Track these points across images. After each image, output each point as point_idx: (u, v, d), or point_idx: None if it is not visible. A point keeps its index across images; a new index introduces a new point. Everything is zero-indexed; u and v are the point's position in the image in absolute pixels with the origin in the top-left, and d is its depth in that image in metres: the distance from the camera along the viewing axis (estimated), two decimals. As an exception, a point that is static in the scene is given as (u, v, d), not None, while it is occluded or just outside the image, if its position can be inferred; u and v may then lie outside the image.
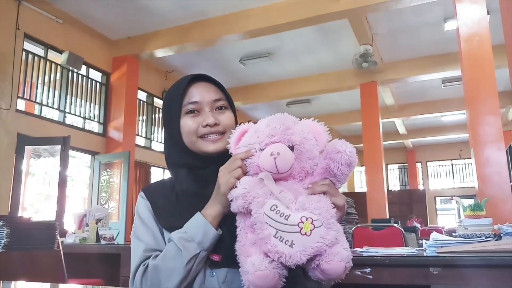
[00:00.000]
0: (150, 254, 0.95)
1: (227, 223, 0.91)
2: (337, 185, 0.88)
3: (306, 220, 0.77)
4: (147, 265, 0.93)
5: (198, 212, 0.91)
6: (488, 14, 5.55)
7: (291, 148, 0.84)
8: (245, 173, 0.86)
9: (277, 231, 0.77)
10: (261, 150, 0.84)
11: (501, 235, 1.89)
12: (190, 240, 0.88)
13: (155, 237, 0.98)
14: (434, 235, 1.87)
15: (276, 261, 0.77)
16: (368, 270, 1.73)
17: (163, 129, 1.10)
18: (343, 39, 7.67)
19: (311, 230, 0.77)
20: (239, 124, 1.06)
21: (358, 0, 5.94)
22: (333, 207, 0.82)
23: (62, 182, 5.76)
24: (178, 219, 0.94)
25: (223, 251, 0.91)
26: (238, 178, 0.85)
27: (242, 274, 0.80)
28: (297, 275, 0.88)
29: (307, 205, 0.79)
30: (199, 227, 0.89)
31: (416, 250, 2.02)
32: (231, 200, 0.85)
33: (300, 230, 0.77)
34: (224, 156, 0.98)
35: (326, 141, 0.88)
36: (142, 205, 1.03)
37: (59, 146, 5.84)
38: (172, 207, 0.99)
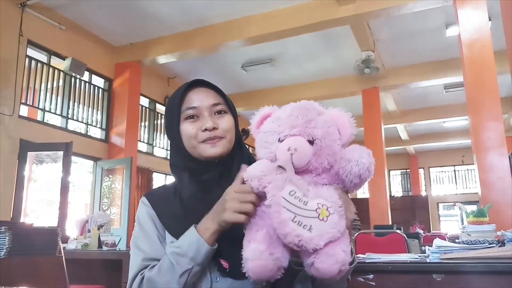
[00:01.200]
0: (148, 264, 0.96)
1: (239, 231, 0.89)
2: (349, 192, 0.88)
3: (322, 206, 0.78)
4: (144, 276, 0.94)
5: (193, 226, 0.90)
6: (490, 20, 5.56)
7: (311, 142, 0.83)
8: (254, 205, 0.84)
9: (295, 215, 0.77)
10: (280, 141, 0.84)
11: (505, 241, 1.88)
12: (183, 255, 0.88)
13: (154, 245, 0.98)
14: (437, 242, 1.86)
15: (296, 244, 0.77)
16: (371, 276, 1.72)
17: (166, 135, 1.11)
18: (345, 45, 7.69)
19: (327, 216, 0.78)
20: (241, 130, 1.06)
21: (360, 6, 5.96)
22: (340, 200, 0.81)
23: (64, 188, 5.76)
24: (182, 225, 0.94)
25: (232, 260, 0.90)
26: (247, 214, 0.83)
27: (243, 259, 0.80)
28: (294, 270, 0.88)
29: (321, 193, 0.80)
30: (192, 243, 0.88)
31: (419, 256, 2.01)
32: (246, 180, 0.85)
33: (318, 216, 0.77)
34: (225, 160, 0.99)
35: (351, 134, 0.87)
36: (144, 211, 1.03)
37: (62, 152, 5.85)
38: (176, 213, 0.99)
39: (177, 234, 0.95)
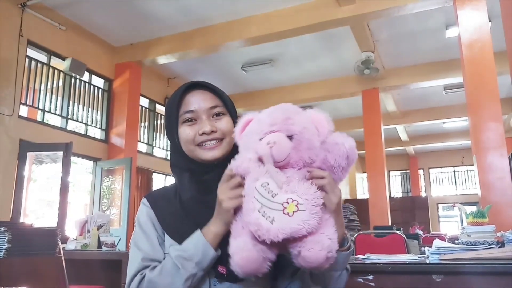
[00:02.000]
0: (147, 264, 0.96)
1: None
2: (337, 180, 0.88)
3: (292, 201, 0.78)
4: (144, 276, 0.93)
5: (199, 229, 0.91)
6: (490, 21, 5.57)
7: (290, 137, 0.84)
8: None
9: (262, 206, 0.79)
10: (261, 139, 0.86)
11: (504, 242, 1.88)
12: (189, 259, 0.89)
13: (153, 246, 0.98)
14: (436, 242, 1.86)
15: (255, 233, 0.78)
16: (371, 277, 1.72)
17: (166, 136, 1.11)
18: (345, 45, 7.69)
19: (294, 212, 0.78)
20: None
21: (360, 7, 5.96)
22: (321, 199, 0.82)
23: (64, 188, 5.76)
24: (182, 227, 0.95)
25: (229, 265, 0.90)
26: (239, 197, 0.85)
27: (230, 256, 0.82)
28: (284, 263, 0.89)
29: (296, 189, 0.80)
30: (199, 247, 0.89)
31: (419, 257, 2.01)
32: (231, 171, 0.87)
33: (283, 210, 0.78)
34: (225, 161, 0.98)
35: (329, 131, 0.88)
36: (144, 212, 1.03)
37: (61, 152, 5.85)
38: (176, 215, 0.99)
39: (176, 236, 0.96)
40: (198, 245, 0.89)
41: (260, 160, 0.84)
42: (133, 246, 1.00)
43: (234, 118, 1.05)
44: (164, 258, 0.97)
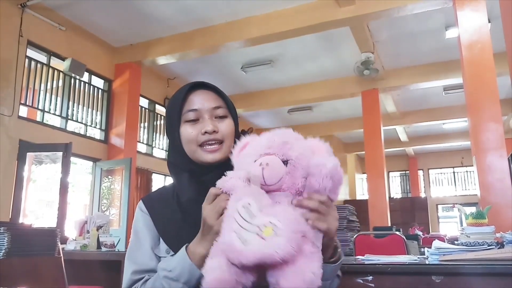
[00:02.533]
0: (138, 277, 0.96)
1: None
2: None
3: (270, 225, 0.73)
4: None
5: (184, 248, 0.89)
6: (489, 22, 5.58)
7: (285, 162, 0.81)
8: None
9: (239, 227, 0.75)
10: (255, 161, 0.82)
11: (504, 243, 1.88)
12: (176, 279, 0.88)
13: (146, 255, 0.98)
14: (436, 243, 1.86)
15: (226, 254, 0.74)
16: (370, 278, 1.72)
17: (166, 136, 1.11)
18: (345, 46, 7.70)
19: (270, 236, 0.73)
20: (241, 131, 1.05)
21: (360, 8, 5.97)
22: (303, 224, 0.77)
23: (64, 189, 5.76)
24: (180, 234, 0.94)
25: None
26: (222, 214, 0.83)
27: (204, 275, 0.78)
28: None
29: (279, 213, 0.76)
30: (185, 268, 0.87)
31: (418, 258, 2.01)
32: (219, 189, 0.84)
33: (259, 233, 0.73)
34: (224, 163, 0.98)
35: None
36: (139, 218, 1.03)
37: (61, 152, 5.85)
38: (173, 220, 0.99)
39: (172, 242, 0.95)
40: (184, 266, 0.87)
41: (249, 180, 0.81)
42: (127, 256, 1.01)
43: (236, 121, 1.05)
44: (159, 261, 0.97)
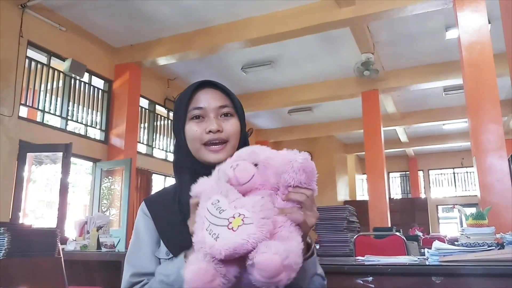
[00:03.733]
0: (137, 280, 0.96)
1: None
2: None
3: (239, 216, 0.73)
4: None
5: (182, 255, 0.89)
6: (489, 22, 5.58)
7: (255, 165, 0.82)
8: None
9: (209, 224, 0.75)
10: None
11: (504, 244, 1.88)
12: (171, 285, 0.88)
13: (146, 258, 0.98)
14: (436, 244, 1.86)
15: (202, 252, 0.74)
16: (370, 279, 1.72)
17: (173, 135, 1.10)
18: (345, 47, 7.70)
19: (238, 226, 0.72)
20: (249, 130, 1.05)
21: (360, 8, 5.97)
22: (272, 210, 0.76)
23: (64, 189, 5.76)
24: (179, 238, 0.94)
25: None
26: None
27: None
28: None
29: (246, 203, 0.75)
30: (180, 275, 0.85)
31: (418, 259, 2.01)
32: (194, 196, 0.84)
33: (228, 225, 0.73)
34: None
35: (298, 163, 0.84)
36: (141, 220, 1.03)
37: (61, 153, 5.85)
38: (174, 223, 0.98)
39: (171, 244, 0.95)
40: (180, 272, 0.85)
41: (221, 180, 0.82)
42: (126, 259, 1.01)
43: (242, 120, 1.04)
44: (168, 259, 0.97)
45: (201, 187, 0.84)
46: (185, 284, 0.73)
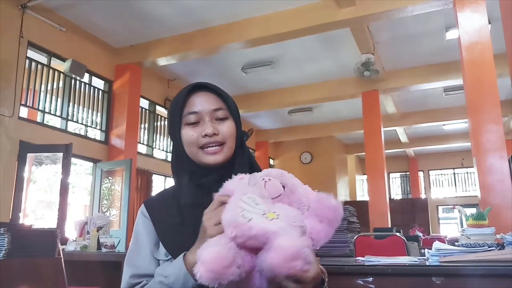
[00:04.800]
0: (137, 281, 0.97)
1: None
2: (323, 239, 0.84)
3: (274, 213, 0.75)
4: None
5: (182, 256, 0.88)
6: (490, 23, 5.58)
7: (283, 186, 0.85)
8: None
9: (242, 210, 0.76)
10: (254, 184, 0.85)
11: (504, 244, 1.88)
12: (170, 286, 0.88)
13: (146, 260, 0.98)
14: (436, 244, 1.86)
15: (229, 231, 0.75)
16: (370, 279, 1.72)
17: (170, 138, 1.11)
18: (345, 47, 7.70)
19: (272, 218, 0.74)
20: (249, 131, 1.06)
21: (360, 9, 5.98)
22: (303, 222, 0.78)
23: (64, 190, 5.76)
24: (179, 240, 0.94)
25: None
26: None
27: (197, 256, 0.75)
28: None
29: (281, 207, 0.78)
30: (180, 276, 0.87)
31: (419, 259, 2.01)
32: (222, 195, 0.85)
33: (263, 214, 0.75)
34: (226, 164, 0.99)
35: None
36: (140, 222, 1.03)
37: (61, 153, 5.85)
38: (174, 226, 0.98)
39: (171, 246, 0.95)
40: (180, 274, 0.87)
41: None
42: (126, 260, 1.01)
43: (238, 121, 1.04)
44: (167, 260, 0.97)
45: (234, 185, 0.85)
46: (200, 263, 0.72)
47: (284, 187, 0.84)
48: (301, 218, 0.78)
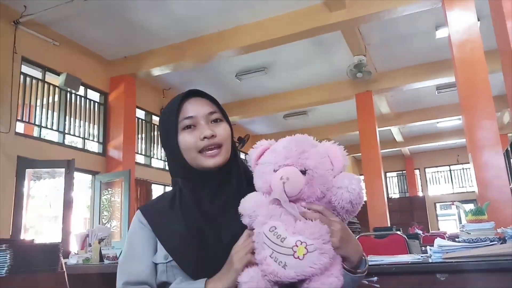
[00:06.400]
0: None
1: None
2: (343, 219, 0.90)
3: (301, 244, 0.79)
4: None
5: (203, 283, 0.89)
6: (479, 20, 5.64)
7: (304, 172, 0.86)
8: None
9: (273, 252, 0.80)
10: (275, 171, 0.87)
11: (506, 238, 1.90)
12: None
13: (140, 266, 0.97)
14: (438, 241, 1.88)
15: (271, 279, 0.81)
16: (375, 279, 1.73)
17: (162, 146, 1.09)
18: (337, 50, 7.75)
19: (304, 255, 0.79)
20: (238, 138, 1.08)
21: (351, 12, 6.02)
22: (329, 233, 0.83)
23: (68, 205, 5.80)
24: (184, 243, 0.94)
25: None
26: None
27: (239, 283, 0.84)
28: None
29: (304, 229, 0.81)
30: None
31: (422, 257, 2.02)
32: (241, 215, 0.89)
33: (294, 254, 0.80)
34: (223, 169, 1.00)
35: (343, 166, 0.90)
36: (136, 229, 1.02)
37: (62, 168, 5.87)
38: (175, 229, 0.97)
39: (173, 249, 0.95)
40: None
41: (269, 192, 0.87)
42: (119, 268, 0.99)
43: (230, 125, 1.06)
44: (156, 271, 0.96)
45: (250, 204, 0.89)
46: None
47: (305, 171, 0.86)
48: (324, 231, 0.82)
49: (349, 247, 0.88)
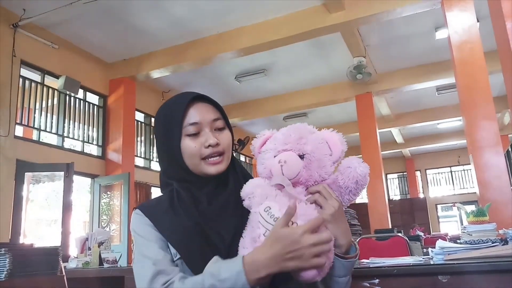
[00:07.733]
0: (162, 268, 0.89)
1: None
2: (344, 202, 0.94)
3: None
4: (170, 283, 0.87)
5: (240, 261, 0.82)
6: (478, 21, 5.64)
7: (302, 156, 0.90)
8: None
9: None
10: (275, 157, 0.91)
11: (507, 239, 1.88)
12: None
13: (161, 252, 0.92)
14: (440, 243, 1.87)
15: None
16: (377, 281, 1.72)
17: (159, 147, 1.06)
18: (337, 52, 7.75)
19: None
20: (238, 140, 1.09)
21: (350, 13, 6.03)
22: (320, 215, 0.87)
23: (67, 208, 5.80)
24: (191, 240, 0.92)
25: None
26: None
27: None
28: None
29: (297, 211, 0.84)
30: (237, 285, 0.80)
31: (423, 258, 2.01)
32: (243, 200, 0.93)
33: None
34: (223, 173, 1.00)
35: (342, 151, 0.93)
36: (141, 221, 0.98)
37: (61, 172, 5.86)
38: (176, 228, 0.95)
39: (184, 251, 0.92)
40: (237, 282, 0.80)
41: (269, 177, 0.92)
42: (138, 255, 0.93)
43: (231, 131, 1.06)
44: (175, 261, 0.92)
45: (249, 187, 0.93)
46: None
47: (303, 155, 0.90)
48: (314, 214, 0.85)
49: (340, 227, 0.91)
